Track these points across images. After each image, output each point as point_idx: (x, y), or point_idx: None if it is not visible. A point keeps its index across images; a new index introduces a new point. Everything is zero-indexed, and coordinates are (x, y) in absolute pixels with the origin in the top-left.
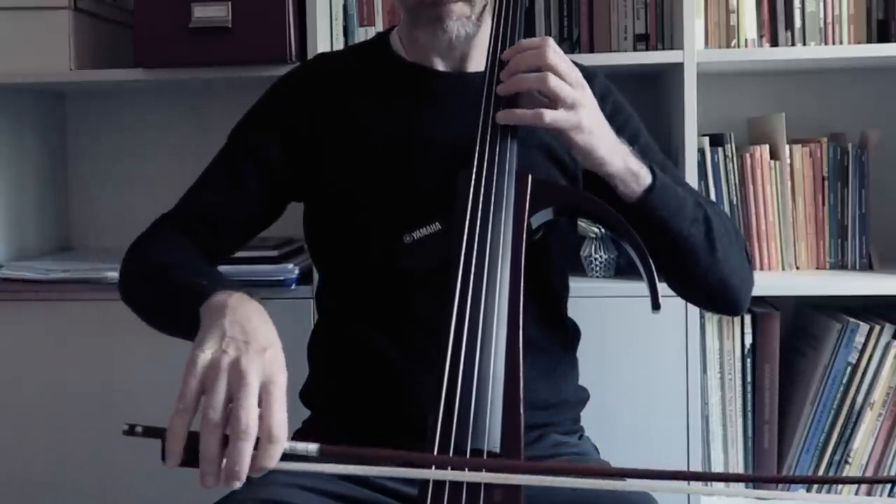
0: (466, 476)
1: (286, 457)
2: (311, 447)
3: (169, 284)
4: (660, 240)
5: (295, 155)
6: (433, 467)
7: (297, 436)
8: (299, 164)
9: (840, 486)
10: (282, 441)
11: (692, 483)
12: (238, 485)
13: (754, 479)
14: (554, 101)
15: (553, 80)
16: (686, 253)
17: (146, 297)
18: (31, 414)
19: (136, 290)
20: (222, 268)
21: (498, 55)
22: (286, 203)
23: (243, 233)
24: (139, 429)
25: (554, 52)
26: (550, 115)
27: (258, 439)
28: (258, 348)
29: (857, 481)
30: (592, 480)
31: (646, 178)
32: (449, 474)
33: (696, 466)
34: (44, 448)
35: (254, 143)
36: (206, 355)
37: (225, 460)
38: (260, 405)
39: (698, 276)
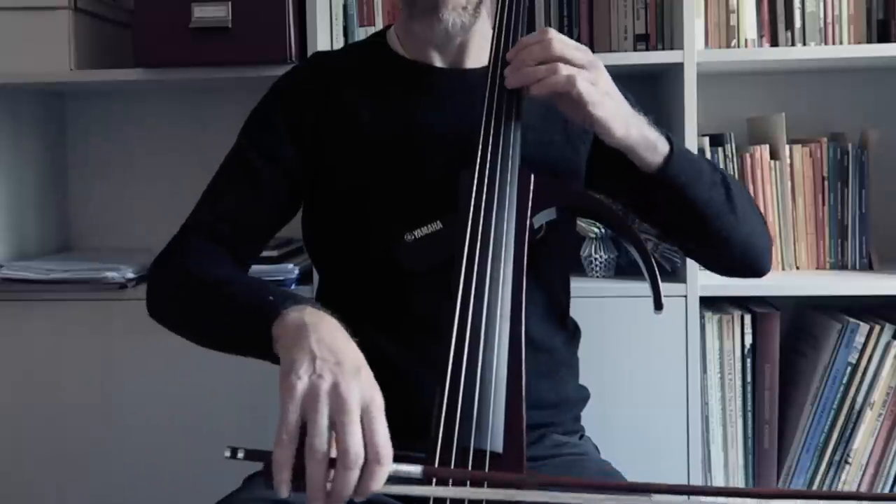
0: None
1: (391, 479)
2: (415, 469)
3: (228, 301)
4: (682, 206)
5: (305, 153)
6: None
7: None
8: (308, 161)
9: (840, 489)
10: (388, 463)
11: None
12: None
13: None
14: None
15: (565, 68)
16: (709, 217)
17: (196, 314)
18: (31, 414)
19: (178, 307)
20: None
21: (501, 53)
22: (301, 200)
23: (269, 234)
24: (241, 454)
25: (558, 42)
26: (567, 70)
27: (367, 461)
28: (352, 369)
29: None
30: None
31: (664, 146)
32: None
33: (696, 466)
34: (44, 448)
35: (267, 144)
36: (303, 382)
37: (331, 485)
38: (364, 428)
39: (722, 240)
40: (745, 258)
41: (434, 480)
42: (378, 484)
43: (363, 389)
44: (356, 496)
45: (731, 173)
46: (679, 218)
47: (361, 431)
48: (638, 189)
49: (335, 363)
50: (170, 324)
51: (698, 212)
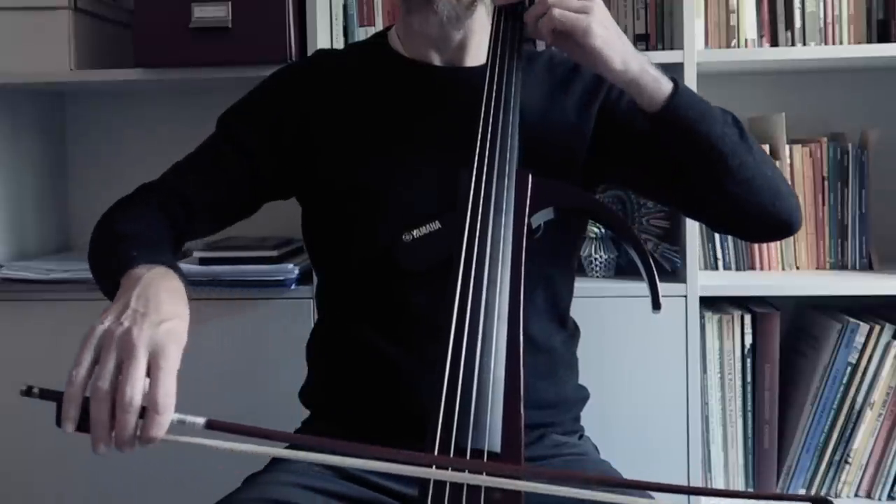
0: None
1: (174, 429)
2: (199, 420)
3: (112, 253)
4: (695, 144)
5: (283, 153)
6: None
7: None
8: (289, 162)
9: (840, 489)
10: (167, 412)
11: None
12: (130, 450)
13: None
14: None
15: (557, 12)
16: (726, 154)
17: (93, 264)
18: (31, 414)
19: (91, 257)
20: (225, 268)
21: (499, 51)
22: (265, 199)
23: (216, 219)
24: (36, 390)
25: None
26: (559, 11)
27: (147, 409)
28: (155, 320)
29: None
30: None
31: (667, 83)
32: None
33: (696, 466)
34: (44, 448)
35: (239, 134)
36: (102, 326)
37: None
38: (150, 375)
39: (745, 181)
40: (773, 206)
41: (218, 432)
42: (159, 431)
43: (156, 338)
44: (140, 442)
45: None
46: (696, 161)
47: (146, 378)
48: (648, 145)
49: (142, 314)
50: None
51: (714, 149)
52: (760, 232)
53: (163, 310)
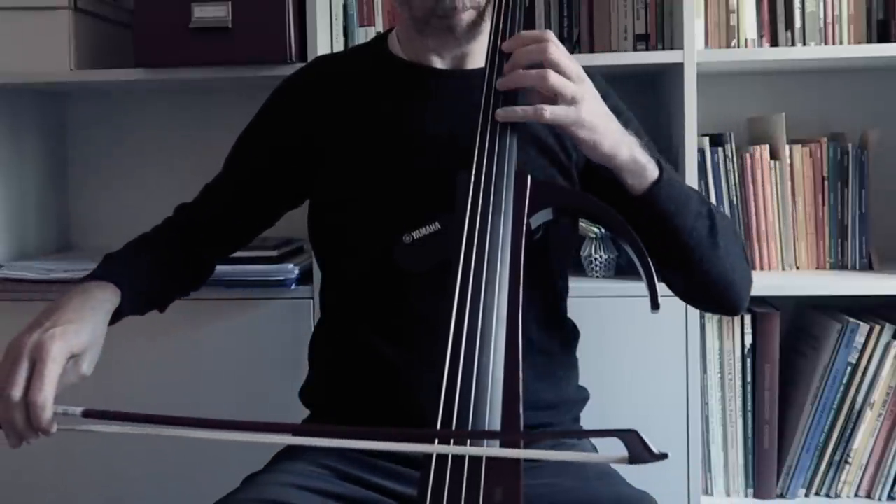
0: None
1: (60, 419)
2: (77, 410)
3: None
4: (664, 233)
5: (289, 168)
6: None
7: None
8: (295, 174)
9: (840, 489)
10: (42, 406)
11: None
12: (32, 441)
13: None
14: (555, 97)
15: (553, 77)
16: (690, 248)
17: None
18: None
19: None
20: (225, 268)
21: (497, 54)
22: (283, 210)
23: (234, 241)
24: None
25: (555, 48)
26: (551, 111)
27: (28, 404)
28: (48, 326)
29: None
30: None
31: (653, 171)
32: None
33: (697, 466)
34: (44, 448)
35: (251, 158)
36: (12, 340)
37: None
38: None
39: (700, 272)
40: (718, 295)
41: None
42: (42, 423)
43: (40, 341)
44: (40, 433)
45: (732, 174)
46: (660, 244)
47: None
48: (624, 208)
49: (40, 323)
50: None
51: (680, 241)
52: (703, 308)
53: (59, 317)
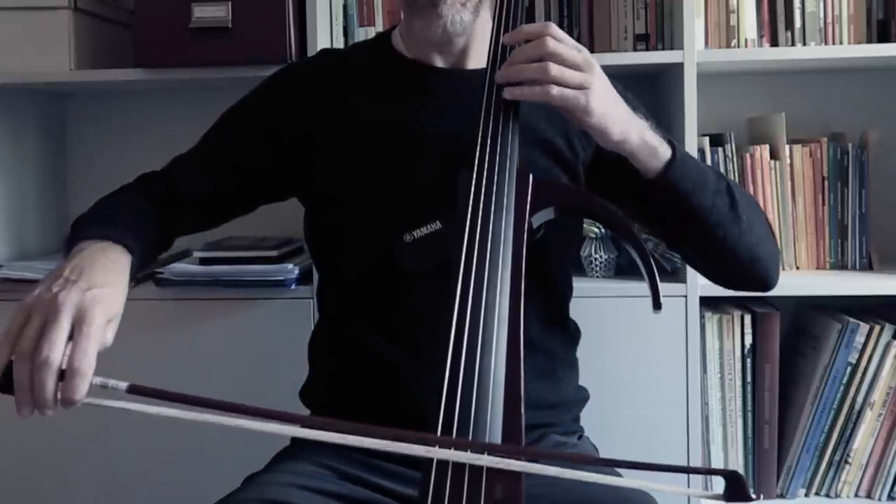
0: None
1: (97, 393)
2: (122, 384)
3: (76, 228)
4: (685, 215)
5: (281, 152)
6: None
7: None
8: (286, 162)
9: (840, 489)
10: (85, 375)
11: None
12: (49, 413)
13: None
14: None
15: (554, 69)
16: (713, 225)
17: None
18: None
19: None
20: (225, 268)
21: (498, 53)
22: (260, 197)
23: (207, 212)
24: None
25: (554, 41)
26: (559, 90)
27: (66, 371)
28: (84, 287)
29: None
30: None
31: (665, 151)
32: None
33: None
34: (44, 448)
35: (236, 135)
36: (35, 293)
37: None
38: (73, 339)
39: (726, 250)
40: (747, 272)
41: (139, 397)
42: (77, 394)
43: (82, 303)
44: (63, 405)
45: (732, 174)
46: (682, 226)
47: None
48: (640, 195)
49: (72, 281)
50: None
51: (701, 220)
52: (732, 286)
53: (94, 278)
